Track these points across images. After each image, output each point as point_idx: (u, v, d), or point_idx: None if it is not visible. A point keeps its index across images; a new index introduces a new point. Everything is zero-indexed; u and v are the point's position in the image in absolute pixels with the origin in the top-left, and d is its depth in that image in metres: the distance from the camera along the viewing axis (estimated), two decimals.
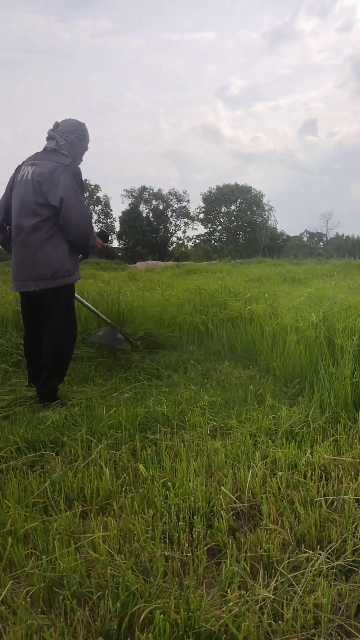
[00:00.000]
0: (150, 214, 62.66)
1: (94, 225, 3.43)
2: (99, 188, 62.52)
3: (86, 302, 4.30)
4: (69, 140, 3.45)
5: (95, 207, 61.42)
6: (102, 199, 62.44)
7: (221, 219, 64.06)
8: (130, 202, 62.22)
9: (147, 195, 63.33)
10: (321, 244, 78.50)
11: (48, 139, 3.48)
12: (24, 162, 3.46)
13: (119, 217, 60.98)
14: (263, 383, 3.59)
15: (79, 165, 3.51)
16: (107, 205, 62.56)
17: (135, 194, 62.88)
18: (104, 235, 3.73)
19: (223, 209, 63.66)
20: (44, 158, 3.37)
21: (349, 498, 1.85)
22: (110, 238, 3.34)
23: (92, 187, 61.12)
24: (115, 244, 59.48)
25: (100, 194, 62.38)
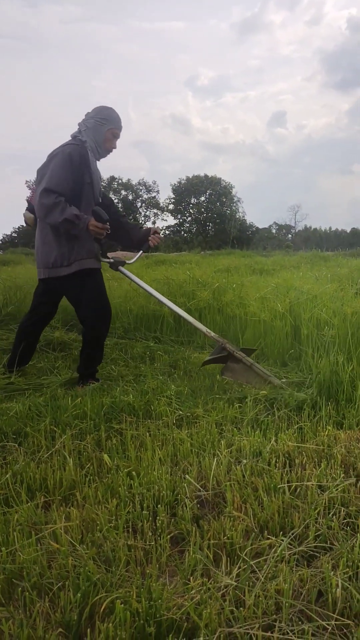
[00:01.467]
0: (120, 204, 62.19)
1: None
2: None
3: (174, 307, 3.79)
4: (89, 125, 3.45)
5: None
6: None
7: (191, 210, 64.04)
8: None
9: (116, 185, 62.80)
10: (289, 236, 79.35)
11: (79, 123, 3.51)
12: None
13: None
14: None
15: (110, 151, 3.58)
16: None
17: (104, 184, 62.25)
18: (97, 214, 3.29)
19: (193, 200, 63.65)
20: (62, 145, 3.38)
21: (312, 484, 1.86)
22: (104, 217, 3.24)
23: None
24: None
25: None
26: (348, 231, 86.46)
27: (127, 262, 3.72)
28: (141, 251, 3.82)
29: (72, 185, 3.27)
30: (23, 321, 3.71)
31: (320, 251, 23.48)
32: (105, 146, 3.54)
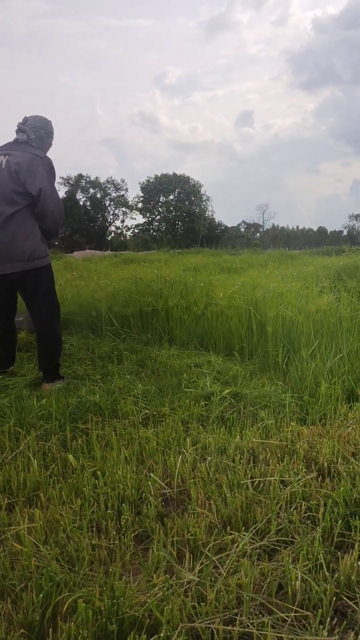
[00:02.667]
0: (88, 203, 61.64)
1: None
2: None
3: None
4: (38, 135, 3.62)
5: None
6: None
7: (160, 209, 63.92)
8: (66, 189, 60.91)
9: (84, 183, 62.21)
10: (258, 234, 79.92)
11: (18, 131, 3.63)
12: None
13: None
14: (196, 371, 3.62)
15: None
16: None
17: (72, 182, 61.61)
18: None
19: (162, 199, 63.54)
20: (17, 149, 3.51)
21: (275, 479, 1.90)
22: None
23: None
24: None
25: None
26: (315, 230, 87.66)
27: None
28: None
29: None
30: None
31: (288, 250, 23.77)
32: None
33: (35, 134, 3.60)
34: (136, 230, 64.52)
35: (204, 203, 64.39)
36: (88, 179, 62.31)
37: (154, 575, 1.42)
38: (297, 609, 1.29)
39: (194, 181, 64.65)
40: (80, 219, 58.56)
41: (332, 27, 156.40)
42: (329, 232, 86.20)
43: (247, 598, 1.29)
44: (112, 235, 62.99)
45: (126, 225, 65.42)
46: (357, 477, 1.90)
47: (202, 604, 1.27)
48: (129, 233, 64.50)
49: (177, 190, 63.48)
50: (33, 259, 3.45)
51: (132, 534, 1.63)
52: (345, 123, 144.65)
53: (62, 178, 61.33)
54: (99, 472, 2.00)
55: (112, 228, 64.35)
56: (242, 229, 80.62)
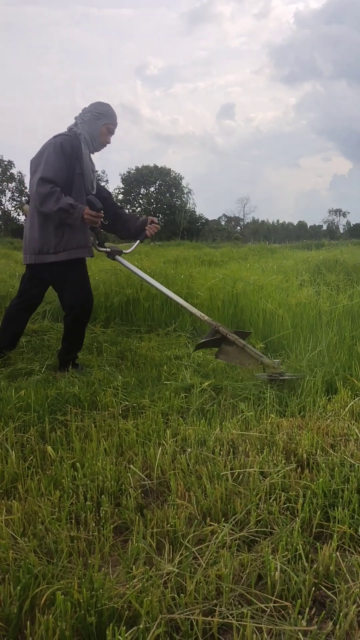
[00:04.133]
0: None
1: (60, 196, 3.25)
2: (13, 164, 60.18)
3: (158, 285, 3.79)
4: (85, 118, 3.56)
5: (9, 184, 59.10)
6: (16, 176, 60.13)
7: (140, 201, 63.68)
8: None
9: None
10: (238, 228, 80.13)
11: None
12: None
13: None
14: (176, 363, 3.61)
15: (105, 145, 3.68)
16: (21, 182, 60.36)
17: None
18: (91, 203, 3.28)
19: (142, 191, 63.31)
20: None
21: (254, 471, 1.90)
22: (98, 210, 3.25)
23: (6, 163, 58.71)
24: None
25: (14, 171, 60.05)
26: (295, 224, 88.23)
27: (124, 251, 3.77)
28: (138, 240, 3.90)
29: (65, 175, 3.35)
30: (11, 306, 3.69)
31: (268, 243, 23.88)
32: (100, 140, 3.63)
33: (82, 118, 3.56)
34: None
35: (185, 196, 64.30)
36: None
37: (133, 566, 1.41)
38: (276, 599, 1.29)
39: (175, 173, 64.53)
40: None
41: (313, 21, 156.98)
42: (308, 227, 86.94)
43: (227, 589, 1.29)
44: None
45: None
46: (336, 469, 1.92)
47: (181, 595, 1.27)
48: None
49: (158, 182, 63.30)
50: (42, 253, 3.39)
51: (112, 526, 1.62)
52: (325, 118, 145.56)
53: None
54: (78, 464, 1.99)
55: None
56: (223, 222, 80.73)
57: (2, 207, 60.58)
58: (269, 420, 2.49)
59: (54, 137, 3.43)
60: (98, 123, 3.57)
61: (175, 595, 1.27)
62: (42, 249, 3.37)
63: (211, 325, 3.45)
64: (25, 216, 3.64)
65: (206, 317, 3.54)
